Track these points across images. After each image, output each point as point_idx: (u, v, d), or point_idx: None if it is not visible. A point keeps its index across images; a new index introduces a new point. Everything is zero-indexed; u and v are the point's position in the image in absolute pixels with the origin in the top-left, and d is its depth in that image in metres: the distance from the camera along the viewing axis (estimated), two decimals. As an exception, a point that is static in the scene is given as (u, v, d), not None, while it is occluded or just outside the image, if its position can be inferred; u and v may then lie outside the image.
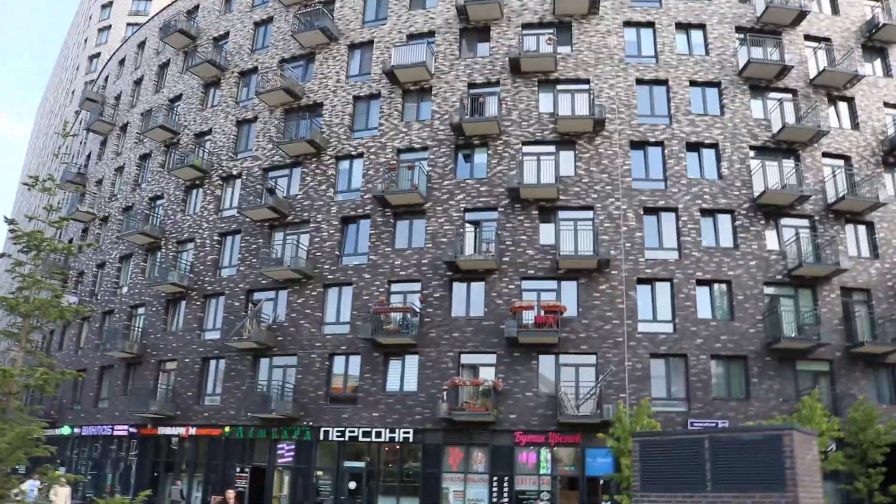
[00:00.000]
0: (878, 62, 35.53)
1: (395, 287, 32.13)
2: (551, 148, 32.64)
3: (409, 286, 31.86)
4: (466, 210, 32.27)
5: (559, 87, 33.52)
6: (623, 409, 24.09)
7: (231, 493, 16.52)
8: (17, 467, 24.87)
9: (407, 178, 32.62)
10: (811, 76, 33.45)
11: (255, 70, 39.27)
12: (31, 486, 26.51)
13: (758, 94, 33.56)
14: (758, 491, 9.25)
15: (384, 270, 32.32)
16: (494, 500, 28.42)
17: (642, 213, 31.41)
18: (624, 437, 23.52)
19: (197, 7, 44.47)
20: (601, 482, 28.17)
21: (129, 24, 68.42)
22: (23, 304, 14.56)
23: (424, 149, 33.69)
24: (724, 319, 30.07)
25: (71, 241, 50.47)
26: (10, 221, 15.94)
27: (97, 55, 67.69)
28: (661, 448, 10.63)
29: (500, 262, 30.71)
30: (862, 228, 32.19)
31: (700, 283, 30.50)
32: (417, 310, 30.94)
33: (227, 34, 41.83)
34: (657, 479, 10.33)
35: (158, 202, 41.14)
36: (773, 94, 33.53)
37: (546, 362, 29.88)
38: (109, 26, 69.16)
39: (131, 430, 36.25)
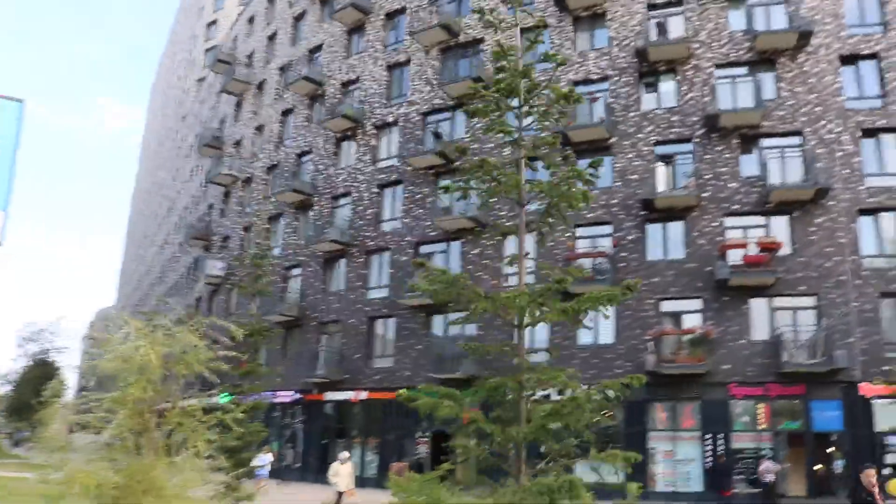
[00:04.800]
0: None
1: (581, 231, 29.38)
2: (745, 69, 29.18)
3: (597, 229, 29.10)
4: (657, 143, 29.21)
5: (750, 0, 29.91)
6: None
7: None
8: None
9: (587, 112, 29.73)
10: None
11: (402, 11, 36.79)
12: (262, 460, 25.21)
13: None
14: None
15: (569, 214, 29.53)
16: (708, 459, 25.72)
17: (860, 135, 27.68)
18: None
19: (329, -47, 42.27)
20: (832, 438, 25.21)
21: (244, -12, 67.28)
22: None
23: (604, 79, 30.60)
24: (965, 251, 26.32)
25: (211, 206, 49.73)
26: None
27: (214, 22, 66.88)
28: None
29: (699, 197, 27.63)
30: None
31: (932, 210, 26.76)
32: (611, 254, 28.22)
33: (367, -25, 39.48)
34: None
35: (306, 158, 39.49)
36: None
37: (758, 306, 26.80)
38: (225, -8, 68.21)
39: (296, 395, 34.98)
